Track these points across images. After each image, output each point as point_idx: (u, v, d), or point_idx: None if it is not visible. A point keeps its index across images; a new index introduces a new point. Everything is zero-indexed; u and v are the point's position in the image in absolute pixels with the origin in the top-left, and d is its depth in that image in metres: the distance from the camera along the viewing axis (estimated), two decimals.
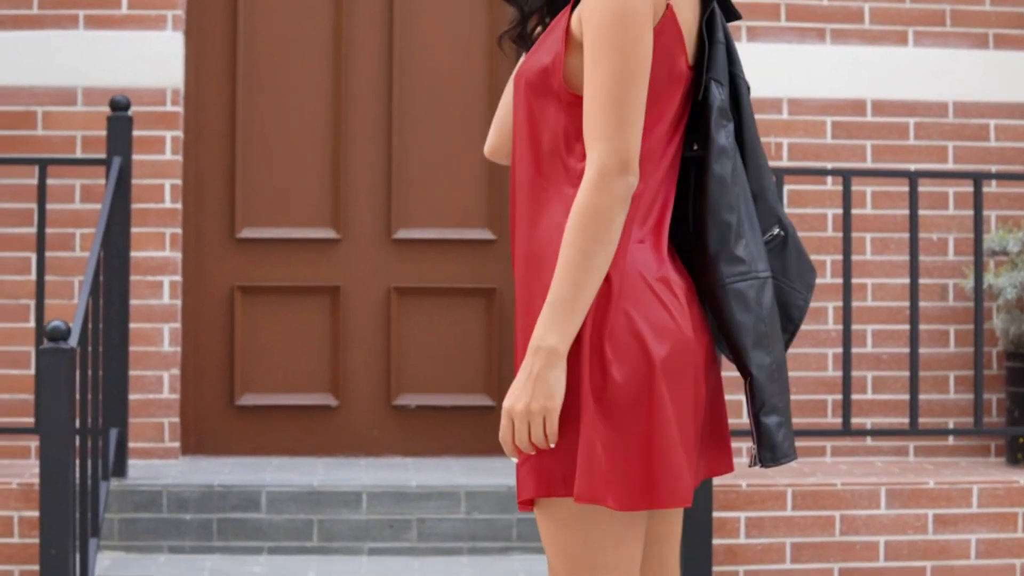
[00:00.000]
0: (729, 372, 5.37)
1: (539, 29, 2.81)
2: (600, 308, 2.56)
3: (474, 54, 6.27)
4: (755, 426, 2.65)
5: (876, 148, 6.10)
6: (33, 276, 5.77)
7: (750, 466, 2.68)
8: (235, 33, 6.19)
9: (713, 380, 2.69)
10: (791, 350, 5.92)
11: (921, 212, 6.07)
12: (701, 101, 2.66)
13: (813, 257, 5.95)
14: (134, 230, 5.78)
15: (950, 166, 6.12)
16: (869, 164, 6.08)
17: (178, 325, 5.90)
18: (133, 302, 5.77)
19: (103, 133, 5.79)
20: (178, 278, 5.90)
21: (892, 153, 6.11)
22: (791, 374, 5.96)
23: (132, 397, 5.75)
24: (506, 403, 2.54)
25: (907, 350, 6.04)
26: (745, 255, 2.64)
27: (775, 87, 6.04)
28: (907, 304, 6.04)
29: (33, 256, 5.80)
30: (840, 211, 6.01)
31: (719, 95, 2.65)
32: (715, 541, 5.17)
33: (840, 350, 6.00)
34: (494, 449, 6.14)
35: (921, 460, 6.03)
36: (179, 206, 5.91)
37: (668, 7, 2.59)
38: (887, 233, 6.09)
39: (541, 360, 2.51)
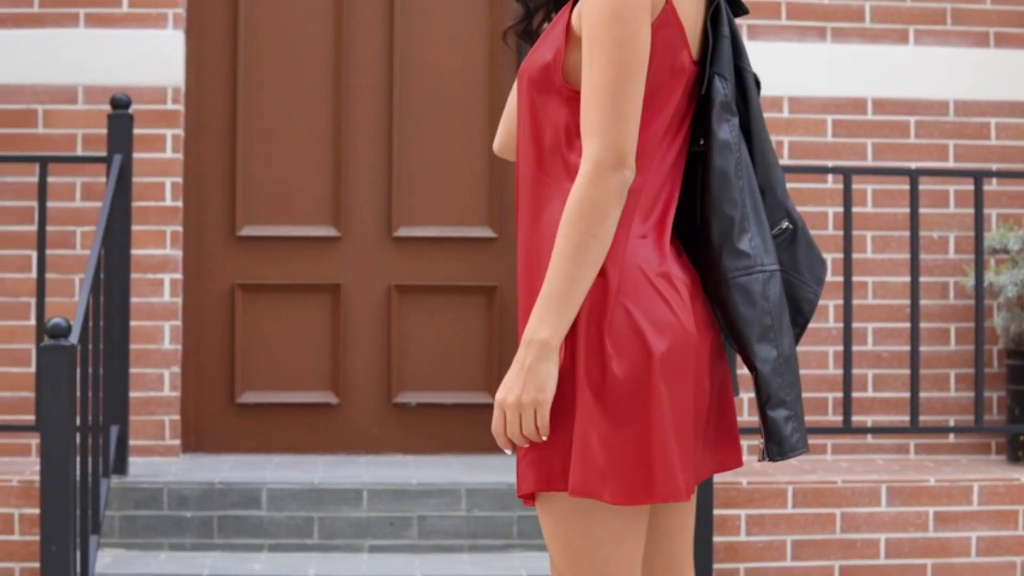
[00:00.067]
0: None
1: (545, 25, 2.82)
2: (600, 303, 2.56)
3: (475, 51, 6.27)
4: (762, 420, 2.65)
5: (877, 146, 6.10)
6: (34, 274, 5.78)
7: (759, 460, 2.68)
8: (236, 31, 6.19)
9: (720, 375, 2.69)
10: None
11: (922, 210, 6.07)
12: (704, 96, 2.66)
13: None
14: (135, 228, 5.78)
15: (951, 164, 6.12)
16: (870, 162, 6.08)
17: (179, 323, 5.90)
18: (134, 300, 5.78)
19: (104, 131, 5.80)
20: (179, 276, 5.91)
21: (893, 151, 6.11)
22: None
23: (133, 395, 5.75)
24: (498, 395, 2.55)
25: (908, 348, 6.04)
26: (749, 249, 2.64)
27: (776, 85, 6.04)
28: (908, 302, 6.04)
29: (34, 254, 5.80)
30: (841, 209, 6.01)
31: (723, 90, 2.65)
32: (716, 538, 5.17)
33: (841, 348, 6.00)
34: (495, 447, 6.14)
35: (922, 458, 6.03)
36: (180, 204, 5.92)
37: (668, 2, 2.60)
38: (888, 231, 6.09)
39: (533, 353, 2.52)
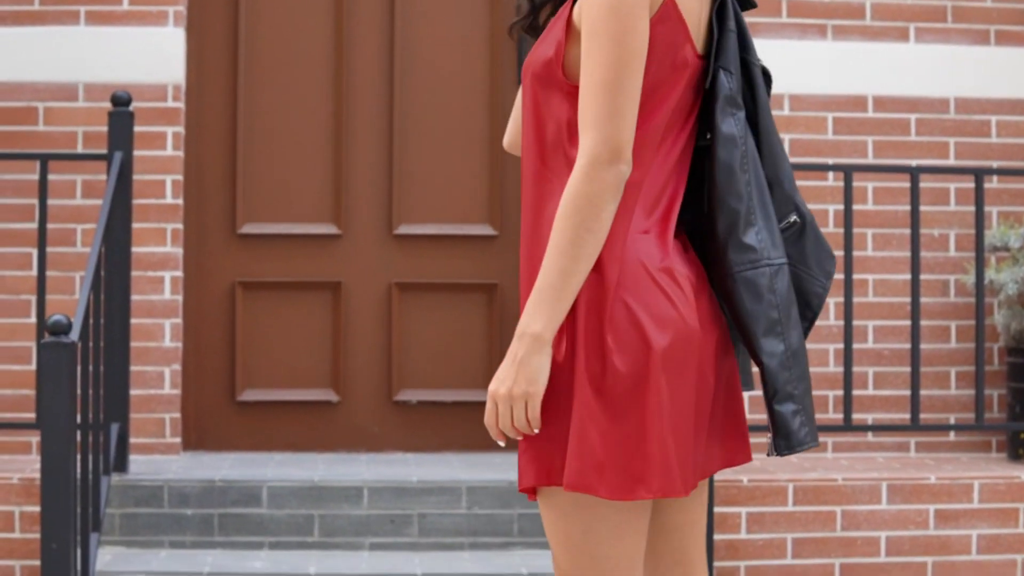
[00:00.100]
0: None
1: (551, 20, 2.82)
2: (600, 298, 2.56)
3: (476, 48, 6.27)
4: (770, 414, 2.65)
5: (877, 144, 6.10)
6: (34, 272, 5.78)
7: (768, 455, 2.68)
8: (236, 29, 6.19)
9: (727, 370, 2.69)
10: None
11: (922, 208, 6.07)
12: (708, 90, 2.66)
13: None
14: (135, 226, 5.78)
15: (951, 162, 6.12)
16: (870, 160, 6.08)
17: (179, 321, 5.90)
18: (134, 298, 5.78)
19: (104, 129, 5.80)
20: (179, 274, 5.91)
21: (893, 149, 6.11)
22: None
23: (133, 392, 5.75)
24: (491, 387, 2.56)
25: (908, 346, 6.04)
26: (755, 243, 2.63)
27: (776, 83, 6.03)
28: (908, 300, 6.04)
29: (34, 252, 5.80)
30: (841, 207, 6.01)
31: (727, 84, 2.65)
32: (716, 536, 5.17)
33: (841, 346, 6.00)
34: (495, 444, 6.14)
35: (922, 456, 6.03)
36: (180, 202, 5.92)
37: None
38: (888, 229, 6.09)
39: (525, 345, 2.53)
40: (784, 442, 2.64)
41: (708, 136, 2.67)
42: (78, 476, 4.56)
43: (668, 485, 2.53)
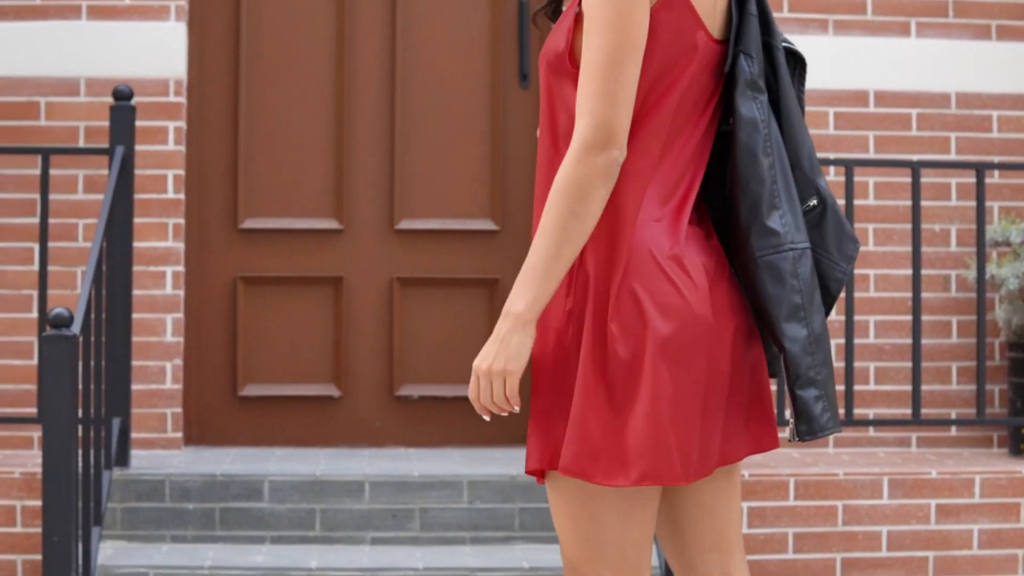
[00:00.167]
0: None
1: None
2: (607, 284, 2.57)
3: (478, 44, 6.26)
4: (792, 399, 2.64)
5: (879, 139, 6.10)
6: (36, 266, 5.78)
7: (789, 440, 2.67)
8: (238, 23, 6.19)
9: (752, 358, 2.68)
10: None
11: (924, 203, 6.07)
12: (729, 74, 2.66)
13: None
14: (137, 220, 5.78)
15: (952, 157, 6.12)
16: (872, 155, 6.08)
17: (181, 315, 5.90)
18: (136, 292, 5.78)
19: (106, 123, 5.80)
20: (181, 268, 5.91)
21: (895, 144, 6.11)
22: None
23: (135, 387, 5.75)
24: (475, 361, 2.59)
25: (909, 341, 6.04)
26: (779, 226, 2.62)
27: None
28: (909, 295, 6.04)
29: (36, 246, 5.80)
30: (843, 201, 6.01)
31: (748, 68, 2.64)
32: None
33: (843, 340, 6.00)
34: (497, 439, 6.14)
35: (923, 450, 6.04)
36: (182, 196, 5.92)
37: None
38: (889, 224, 6.09)
39: (508, 324, 2.55)
40: (806, 427, 2.63)
41: (731, 121, 2.67)
42: (80, 470, 4.56)
43: (664, 472, 2.53)
